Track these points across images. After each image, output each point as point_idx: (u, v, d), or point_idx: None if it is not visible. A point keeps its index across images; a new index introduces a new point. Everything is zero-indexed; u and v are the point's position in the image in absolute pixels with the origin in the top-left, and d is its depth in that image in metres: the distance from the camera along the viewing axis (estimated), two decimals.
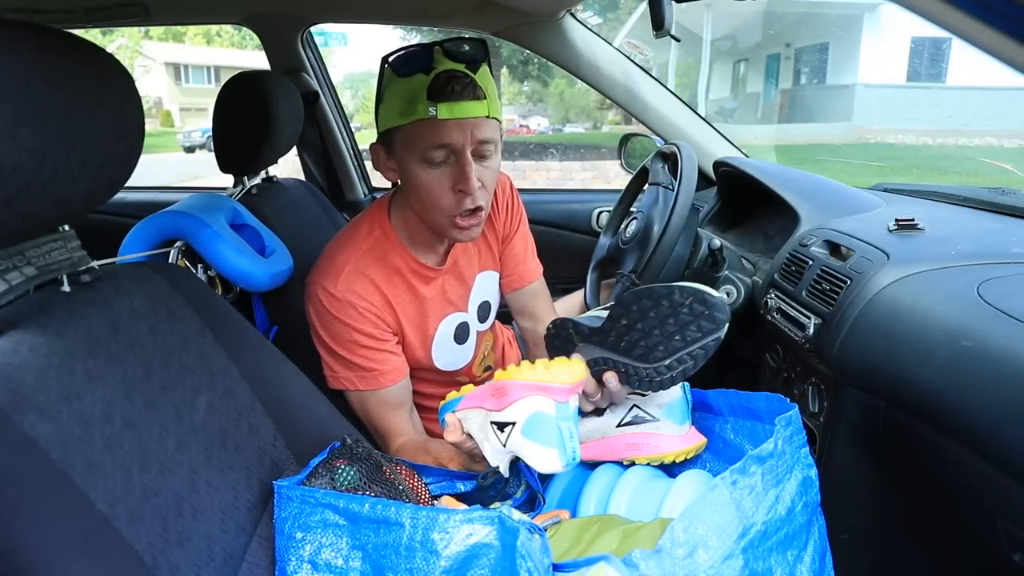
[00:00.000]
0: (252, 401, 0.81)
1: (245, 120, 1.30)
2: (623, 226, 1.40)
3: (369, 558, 0.67)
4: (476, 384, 1.25)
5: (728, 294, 1.28)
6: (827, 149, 10.53)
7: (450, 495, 0.86)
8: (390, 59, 0.95)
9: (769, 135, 12.16)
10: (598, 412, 0.91)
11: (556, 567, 0.65)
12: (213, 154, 1.33)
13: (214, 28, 20.37)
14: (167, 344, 0.72)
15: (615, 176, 6.58)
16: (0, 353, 0.54)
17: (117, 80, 0.61)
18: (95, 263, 0.69)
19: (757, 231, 1.46)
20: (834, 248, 1.07)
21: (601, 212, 1.88)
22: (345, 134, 2.01)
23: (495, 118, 0.96)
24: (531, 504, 0.89)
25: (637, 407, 0.89)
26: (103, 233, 0.89)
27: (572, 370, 0.78)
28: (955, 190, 1.28)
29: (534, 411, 0.75)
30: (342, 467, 0.75)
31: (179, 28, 19.74)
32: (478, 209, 0.98)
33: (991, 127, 10.91)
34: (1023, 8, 0.37)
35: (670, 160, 1.35)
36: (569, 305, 1.49)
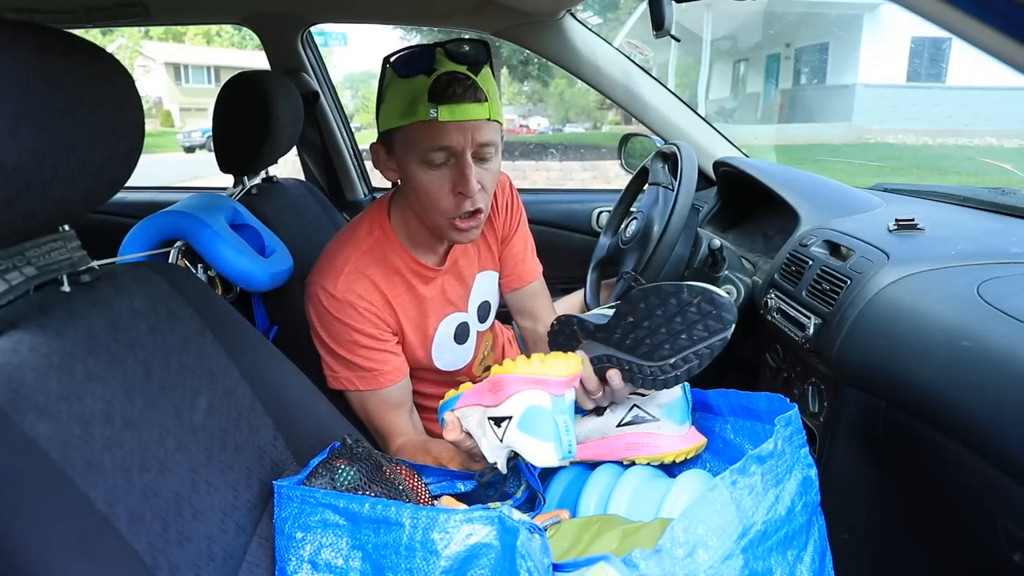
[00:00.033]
0: (252, 401, 0.81)
1: (245, 120, 1.30)
2: (623, 226, 1.40)
3: (369, 558, 0.67)
4: (475, 384, 1.26)
5: (728, 294, 1.27)
6: (827, 149, 10.53)
7: (450, 495, 0.86)
8: (392, 59, 0.94)
9: (769, 135, 12.16)
10: (598, 412, 0.91)
11: (556, 567, 0.65)
12: (213, 154, 1.33)
13: (214, 28, 20.37)
14: (167, 344, 0.72)
15: (615, 176, 6.58)
16: (0, 353, 0.54)
17: (117, 80, 0.61)
18: (95, 263, 0.69)
19: (757, 231, 1.46)
20: (834, 248, 1.07)
21: (601, 212, 1.88)
22: (345, 134, 2.01)
23: (496, 120, 0.96)
24: (531, 504, 0.89)
25: (637, 407, 0.89)
26: (103, 233, 0.89)
27: (568, 363, 0.78)
28: (955, 190, 1.27)
29: (530, 404, 0.75)
30: (342, 467, 0.75)
31: (179, 28, 19.74)
32: (477, 211, 0.98)
33: (991, 127, 10.91)
34: (1023, 8, 0.37)
35: (670, 160, 1.35)
36: (569, 305, 1.49)
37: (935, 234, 1.02)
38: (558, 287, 1.51)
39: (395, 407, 1.06)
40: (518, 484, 0.90)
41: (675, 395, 0.87)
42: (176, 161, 12.00)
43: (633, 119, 1.73)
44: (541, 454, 0.74)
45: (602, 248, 1.46)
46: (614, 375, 0.85)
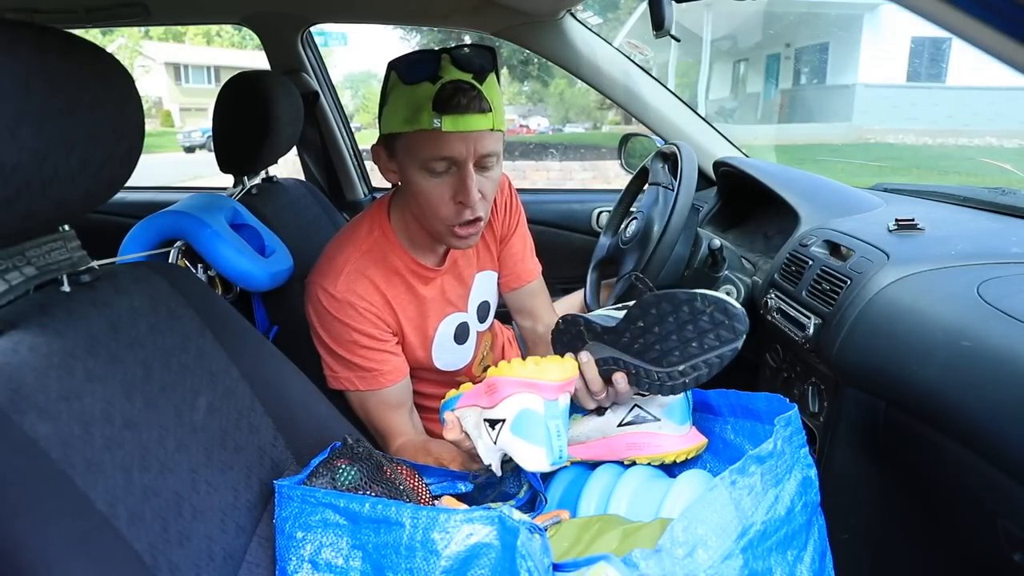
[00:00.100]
0: (252, 401, 0.81)
1: (245, 120, 1.30)
2: (623, 226, 1.40)
3: (369, 558, 0.67)
4: (475, 384, 1.26)
5: (728, 294, 1.27)
6: (827, 149, 10.54)
7: (451, 495, 0.86)
8: (396, 64, 0.94)
9: (769, 135, 12.16)
10: (599, 411, 0.91)
11: (556, 567, 0.65)
12: (213, 154, 1.33)
13: (214, 28, 20.37)
14: (167, 344, 0.72)
15: (615, 176, 6.58)
16: (0, 353, 0.54)
17: (117, 80, 0.61)
18: (95, 263, 0.69)
19: (757, 231, 1.46)
20: (834, 248, 1.07)
21: (601, 212, 1.88)
22: (345, 134, 2.01)
23: (499, 130, 0.95)
24: (532, 504, 0.89)
25: (638, 407, 0.89)
26: (103, 233, 0.89)
27: (563, 368, 0.78)
28: (955, 190, 1.28)
29: (523, 408, 0.75)
30: (343, 467, 0.75)
31: (179, 28, 19.74)
32: (477, 219, 0.97)
33: (991, 127, 10.91)
34: (1023, 8, 0.37)
35: (670, 160, 1.35)
36: (569, 305, 1.49)
37: (935, 234, 1.02)
38: (558, 287, 1.51)
39: (395, 407, 1.06)
40: (519, 484, 0.90)
41: (676, 395, 0.87)
42: (176, 161, 12.00)
43: (633, 119, 1.73)
44: (532, 458, 0.74)
45: (602, 248, 1.46)
46: (620, 378, 0.85)
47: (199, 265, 1.16)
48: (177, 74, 22.95)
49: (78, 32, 1.20)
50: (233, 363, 0.81)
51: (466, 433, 0.82)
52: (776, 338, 1.17)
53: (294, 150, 1.62)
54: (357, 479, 0.74)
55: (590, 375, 0.86)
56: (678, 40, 1.30)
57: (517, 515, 0.66)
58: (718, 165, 1.58)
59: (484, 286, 1.19)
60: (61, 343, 0.59)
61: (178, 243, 1.14)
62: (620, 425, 0.90)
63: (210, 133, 1.35)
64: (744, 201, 1.52)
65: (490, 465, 0.80)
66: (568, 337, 0.91)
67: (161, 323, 0.72)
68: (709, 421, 0.91)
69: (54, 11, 1.71)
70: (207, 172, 7.19)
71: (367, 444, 0.81)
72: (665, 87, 1.71)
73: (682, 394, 0.87)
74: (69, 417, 0.56)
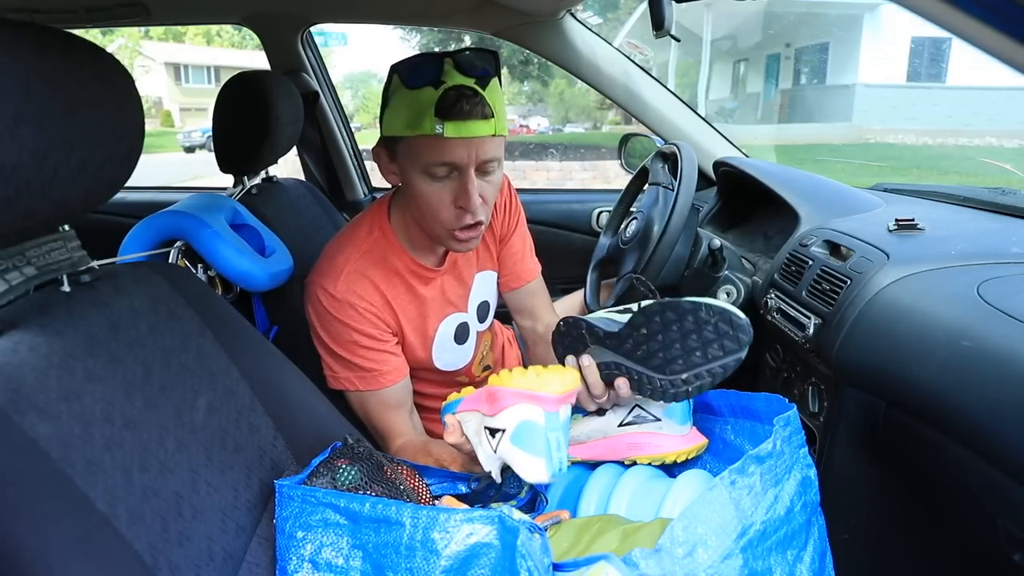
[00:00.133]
0: (252, 401, 0.81)
1: (245, 120, 1.30)
2: (623, 226, 1.40)
3: (369, 557, 0.67)
4: (476, 384, 1.26)
5: (728, 294, 1.28)
6: (827, 149, 10.54)
7: (451, 496, 0.86)
8: (399, 68, 0.93)
9: (769, 135, 12.17)
10: (600, 412, 0.91)
11: (556, 567, 0.65)
12: (213, 154, 1.33)
13: (214, 28, 20.37)
14: (167, 344, 0.72)
15: (615, 176, 6.58)
16: (0, 353, 0.54)
17: (117, 80, 0.61)
18: (95, 263, 0.69)
19: (757, 231, 1.46)
20: (834, 248, 1.07)
21: (601, 212, 1.88)
22: (345, 134, 2.01)
23: (501, 135, 0.95)
24: (532, 504, 0.89)
25: (639, 407, 0.89)
26: (103, 233, 0.89)
27: (564, 380, 0.77)
28: (955, 190, 1.28)
29: (523, 419, 0.75)
30: (343, 467, 0.75)
31: (179, 28, 19.74)
32: (478, 223, 0.97)
33: (991, 127, 10.91)
34: (1023, 8, 0.37)
35: (670, 160, 1.35)
36: (569, 305, 1.49)
37: (935, 234, 1.02)
38: (558, 287, 1.51)
39: (395, 407, 1.06)
40: (520, 485, 0.90)
41: None
42: (176, 161, 12.00)
43: (633, 119, 1.73)
44: (532, 470, 0.74)
45: (602, 248, 1.46)
46: (622, 384, 0.85)
47: (199, 265, 1.16)
48: (177, 74, 22.95)
49: (78, 32, 1.20)
50: (233, 363, 0.81)
51: (466, 437, 0.82)
52: (776, 338, 1.17)
53: (294, 150, 1.62)
54: (357, 479, 0.74)
55: (592, 379, 0.87)
56: (678, 40, 1.30)
57: (517, 515, 0.66)
58: (718, 165, 1.58)
59: (484, 286, 1.19)
60: (61, 343, 0.59)
61: (178, 243, 1.14)
62: (621, 425, 0.90)
63: (210, 133, 1.35)
64: (744, 201, 1.52)
65: (490, 472, 0.80)
66: (569, 340, 0.91)
67: (161, 323, 0.72)
68: (709, 421, 0.91)
69: (54, 11, 1.71)
70: (207, 172, 7.19)
71: (367, 444, 0.81)
72: (665, 87, 1.71)
73: None
74: (69, 417, 0.56)
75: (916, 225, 1.03)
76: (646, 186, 1.40)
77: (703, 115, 1.74)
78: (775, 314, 1.11)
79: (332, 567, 0.68)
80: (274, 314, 1.28)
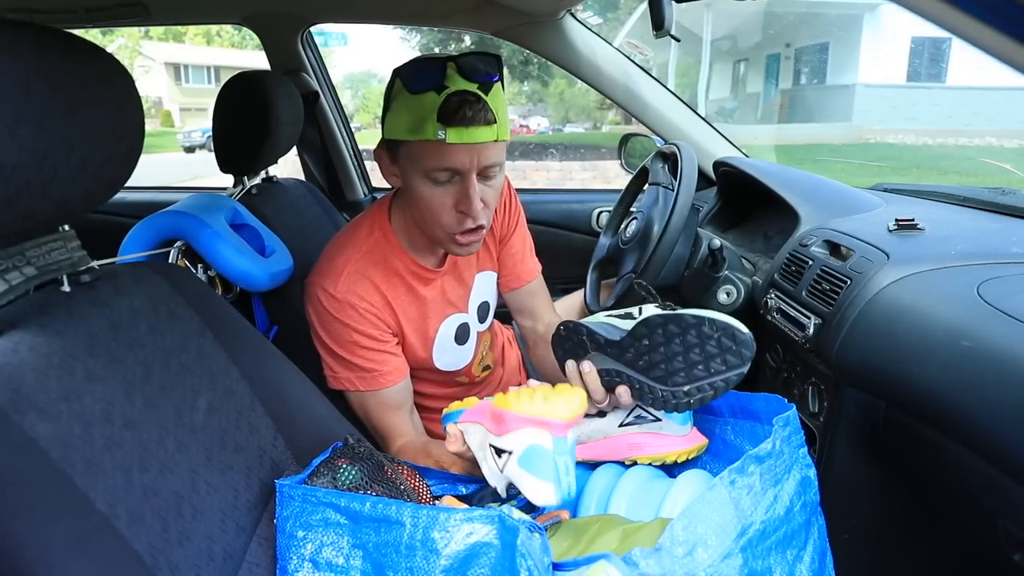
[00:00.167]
0: (252, 401, 0.81)
1: (245, 120, 1.30)
2: (623, 226, 1.40)
3: (370, 557, 0.67)
4: (475, 384, 1.26)
5: (728, 294, 1.28)
6: (827, 149, 10.54)
7: (452, 496, 0.86)
8: (401, 71, 0.93)
9: (769, 135, 12.16)
10: (600, 413, 0.91)
11: (556, 566, 0.65)
12: (213, 154, 1.33)
13: (214, 28, 20.37)
14: (167, 344, 0.72)
15: (615, 176, 6.58)
16: (0, 353, 0.55)
17: (117, 80, 0.61)
18: (95, 263, 0.69)
19: (757, 231, 1.46)
20: (834, 248, 1.07)
21: (601, 212, 1.88)
22: (345, 134, 2.01)
23: (503, 140, 0.95)
24: (532, 505, 0.88)
25: (640, 407, 0.89)
26: (103, 233, 0.89)
27: (571, 404, 0.76)
28: (955, 190, 1.28)
29: (531, 444, 0.74)
30: (344, 466, 0.75)
31: (179, 28, 19.74)
32: (479, 227, 0.97)
33: (991, 127, 10.91)
34: (1023, 8, 0.37)
35: (670, 160, 1.35)
36: (569, 305, 1.49)
37: (935, 234, 1.02)
38: (558, 287, 1.51)
39: (395, 408, 1.06)
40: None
41: None
42: (176, 161, 12.00)
43: (633, 119, 1.73)
44: (540, 493, 0.73)
45: (602, 248, 1.46)
46: (623, 392, 0.85)
47: (199, 265, 1.16)
48: (177, 74, 22.95)
49: (78, 32, 1.20)
50: (233, 363, 0.81)
51: (468, 446, 0.82)
52: (776, 338, 1.17)
53: (294, 150, 1.62)
54: (358, 479, 0.74)
55: (592, 385, 0.87)
56: (678, 40, 1.30)
57: (517, 514, 0.66)
58: (718, 165, 1.58)
59: (484, 286, 1.19)
60: (61, 343, 0.59)
61: (178, 243, 1.15)
62: (621, 426, 0.90)
63: (210, 133, 1.35)
64: (744, 201, 1.52)
65: (495, 488, 0.80)
66: (570, 344, 0.91)
67: (161, 323, 0.72)
68: (709, 422, 0.91)
69: (54, 11, 1.71)
70: (207, 172, 7.19)
71: (368, 444, 0.81)
72: (665, 87, 1.71)
73: None
74: (69, 417, 0.56)
75: (916, 225, 1.03)
76: (646, 186, 1.40)
77: (703, 115, 1.74)
78: (775, 314, 1.11)
79: (332, 566, 0.68)
80: (274, 314, 1.28)
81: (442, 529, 0.64)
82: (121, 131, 0.62)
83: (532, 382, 0.85)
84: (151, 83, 21.35)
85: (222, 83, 1.29)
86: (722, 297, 1.27)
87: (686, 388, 0.80)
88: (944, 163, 9.42)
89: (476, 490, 0.88)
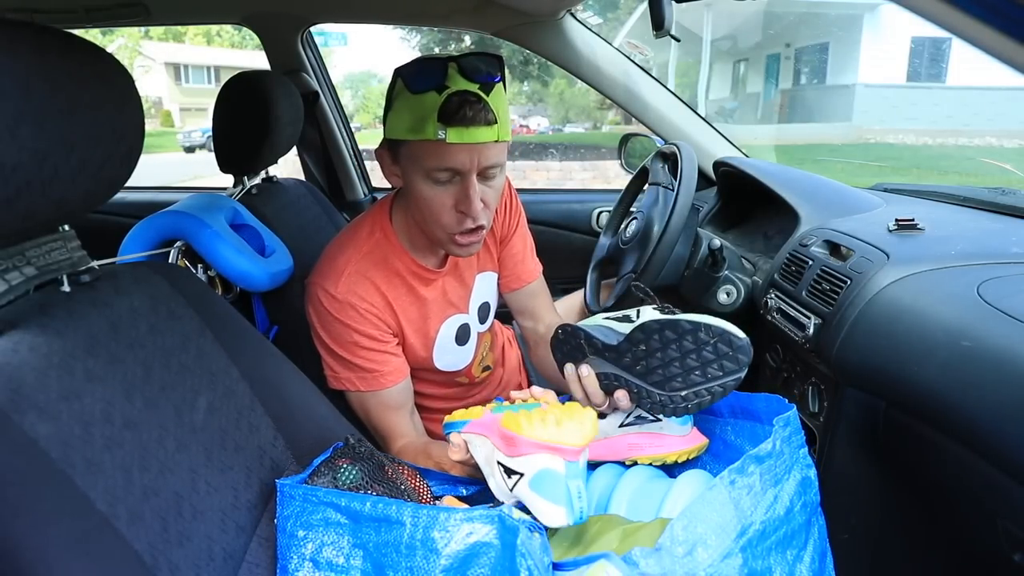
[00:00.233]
0: (252, 401, 0.81)
1: (245, 120, 1.30)
2: (623, 226, 1.40)
3: (370, 556, 0.67)
4: (475, 385, 1.26)
5: (728, 294, 1.28)
6: (827, 149, 10.54)
7: (452, 496, 0.86)
8: (403, 71, 0.93)
9: (769, 135, 12.17)
10: (600, 414, 0.91)
11: (556, 566, 0.65)
12: (213, 154, 1.33)
13: (214, 28, 20.36)
14: (167, 344, 0.72)
15: (615, 176, 6.58)
16: (0, 353, 0.55)
17: (117, 80, 0.62)
18: (95, 263, 0.69)
19: (757, 231, 1.46)
20: (834, 248, 1.07)
21: (601, 212, 1.88)
22: (345, 134, 2.01)
23: (504, 140, 0.95)
24: None
25: (640, 408, 0.89)
26: (103, 233, 0.89)
27: (583, 430, 0.75)
28: (955, 190, 1.28)
29: (543, 467, 0.73)
30: (345, 466, 0.75)
31: (179, 28, 19.74)
32: (479, 228, 0.97)
33: (991, 127, 10.92)
34: (1023, 8, 0.37)
35: (670, 160, 1.35)
36: (569, 305, 1.49)
37: (935, 234, 1.02)
38: (558, 287, 1.51)
39: (396, 408, 1.06)
40: None
41: None
42: (176, 161, 12.00)
43: (633, 119, 1.73)
44: (552, 516, 0.72)
45: (602, 248, 1.46)
46: (622, 396, 0.85)
47: (199, 265, 1.16)
48: (177, 74, 22.95)
49: (78, 32, 1.20)
50: (233, 363, 0.81)
51: (471, 455, 0.81)
52: (776, 338, 1.17)
53: (294, 150, 1.62)
54: (359, 479, 0.74)
55: (591, 389, 0.87)
56: (678, 40, 1.30)
57: (517, 514, 0.66)
58: (718, 165, 1.58)
59: (485, 287, 1.19)
60: (61, 343, 0.59)
61: (178, 243, 1.15)
62: (621, 426, 0.90)
63: (210, 133, 1.35)
64: (744, 201, 1.52)
65: (503, 506, 0.79)
66: (568, 348, 0.91)
67: (161, 323, 0.72)
68: (709, 422, 0.91)
69: (54, 11, 1.71)
70: (207, 172, 7.19)
71: (369, 444, 0.81)
72: (665, 87, 1.71)
73: None
74: (69, 417, 0.56)
75: (916, 225, 1.03)
76: (646, 186, 1.40)
77: (703, 115, 1.74)
78: (775, 314, 1.11)
79: (333, 566, 0.68)
80: (274, 314, 1.28)
81: (442, 529, 0.64)
82: (121, 131, 0.62)
83: (536, 390, 0.85)
84: (151, 83, 21.35)
85: (222, 83, 1.29)
86: (722, 297, 1.27)
87: (683, 393, 0.80)
88: (944, 163, 9.43)
89: (477, 492, 0.88)
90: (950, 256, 0.92)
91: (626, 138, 1.80)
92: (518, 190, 1.24)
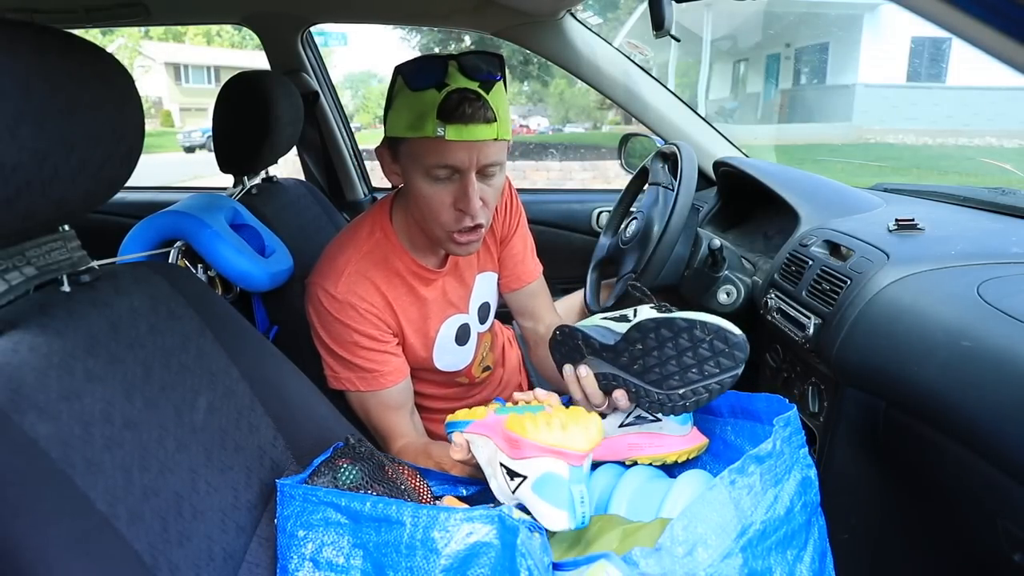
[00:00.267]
0: (252, 401, 0.81)
1: (245, 120, 1.30)
2: (623, 226, 1.40)
3: (370, 556, 0.67)
4: (475, 385, 1.26)
5: (728, 294, 1.28)
6: (827, 149, 10.54)
7: (452, 496, 0.86)
8: (403, 69, 0.93)
9: (769, 135, 12.17)
10: (600, 414, 0.91)
11: (556, 566, 0.65)
12: (213, 154, 1.33)
13: (214, 28, 20.36)
14: (167, 344, 0.72)
15: (615, 176, 6.58)
16: (0, 353, 0.55)
17: (117, 80, 0.62)
18: (95, 263, 0.69)
19: (757, 231, 1.46)
20: (834, 248, 1.07)
21: (601, 212, 1.88)
22: (345, 134, 2.01)
23: (503, 139, 0.95)
24: None
25: (640, 407, 0.89)
26: (103, 233, 0.89)
27: (589, 435, 0.75)
28: (955, 190, 1.28)
29: (547, 471, 0.73)
30: (345, 466, 0.75)
31: (179, 28, 19.74)
32: (478, 226, 0.97)
33: (991, 127, 10.92)
34: (1023, 8, 0.37)
35: (670, 160, 1.35)
36: (569, 305, 1.49)
37: (935, 234, 1.02)
38: (558, 287, 1.51)
39: (396, 408, 1.06)
40: None
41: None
42: (176, 161, 12.00)
43: (633, 119, 1.73)
44: (554, 520, 0.71)
45: (602, 248, 1.46)
46: (621, 396, 0.85)
47: (199, 265, 1.16)
48: (177, 74, 22.95)
49: (78, 32, 1.20)
50: (233, 363, 0.81)
51: (473, 455, 0.81)
52: (776, 338, 1.17)
53: (294, 150, 1.62)
54: (359, 478, 0.74)
55: (590, 389, 0.88)
56: (678, 40, 1.30)
57: (517, 514, 0.66)
58: (718, 165, 1.58)
59: (485, 287, 1.19)
60: (61, 343, 0.59)
61: (178, 243, 1.15)
62: (621, 426, 0.90)
63: (210, 133, 1.35)
64: (744, 201, 1.52)
65: (503, 506, 0.79)
66: (566, 348, 0.91)
67: (161, 323, 0.72)
68: (709, 423, 0.91)
69: (54, 11, 1.71)
70: (207, 172, 7.19)
71: (369, 444, 0.81)
72: (665, 87, 1.71)
73: None
74: (69, 417, 0.56)
75: (916, 225, 1.03)
76: (646, 186, 1.40)
77: (703, 115, 1.74)
78: (775, 314, 1.11)
79: (333, 566, 0.68)
80: (274, 314, 1.28)
81: (442, 529, 0.64)
82: (121, 131, 0.62)
83: (539, 392, 0.85)
84: (151, 83, 21.35)
85: (222, 83, 1.29)
86: (722, 297, 1.27)
87: (681, 391, 0.80)
88: (944, 163, 9.43)
89: (477, 492, 0.88)
90: (950, 256, 0.92)
91: (626, 138, 1.80)
92: (518, 190, 1.24)
